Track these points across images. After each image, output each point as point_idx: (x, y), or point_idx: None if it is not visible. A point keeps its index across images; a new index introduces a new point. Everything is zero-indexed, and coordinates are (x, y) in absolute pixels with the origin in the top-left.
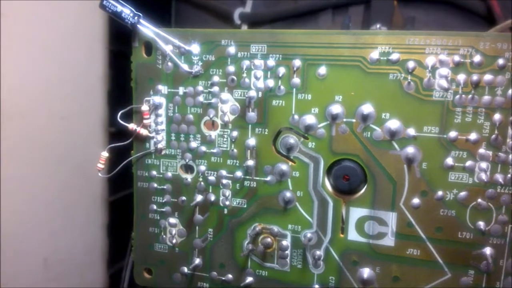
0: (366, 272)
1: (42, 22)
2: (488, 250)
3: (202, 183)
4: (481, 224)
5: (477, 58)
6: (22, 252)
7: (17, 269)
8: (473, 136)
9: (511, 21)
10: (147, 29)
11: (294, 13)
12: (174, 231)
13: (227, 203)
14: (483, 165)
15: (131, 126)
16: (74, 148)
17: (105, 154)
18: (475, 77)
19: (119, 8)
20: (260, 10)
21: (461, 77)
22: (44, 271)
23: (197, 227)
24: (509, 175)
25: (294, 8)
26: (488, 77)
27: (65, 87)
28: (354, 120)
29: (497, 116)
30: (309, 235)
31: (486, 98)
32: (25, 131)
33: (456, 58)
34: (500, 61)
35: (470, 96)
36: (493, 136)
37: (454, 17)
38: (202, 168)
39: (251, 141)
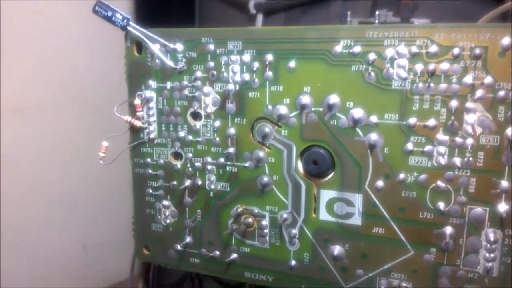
0: (336, 249)
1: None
2: (448, 230)
3: (190, 169)
4: (440, 205)
5: (432, 48)
6: (61, 237)
7: (56, 254)
8: (431, 122)
9: (501, 9)
10: (136, 30)
11: (306, 1)
12: (167, 212)
13: (212, 186)
14: (441, 149)
15: (126, 118)
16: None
17: (105, 143)
18: (431, 67)
19: (110, 12)
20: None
21: (418, 66)
22: (83, 256)
23: (187, 209)
24: (465, 159)
25: None
26: (443, 66)
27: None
28: (321, 109)
29: (453, 103)
30: (285, 215)
31: (442, 86)
32: (60, 120)
33: (413, 49)
34: (455, 51)
35: (426, 84)
36: (450, 122)
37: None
38: (190, 155)
39: (231, 130)
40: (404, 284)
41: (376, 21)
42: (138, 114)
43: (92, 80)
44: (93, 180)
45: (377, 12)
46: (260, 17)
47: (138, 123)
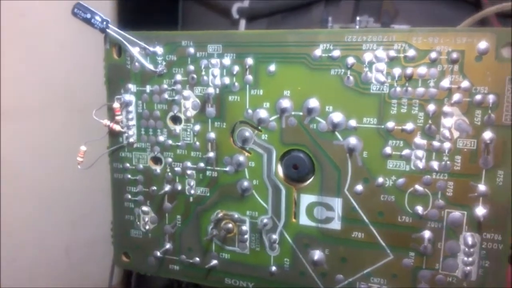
0: (316, 254)
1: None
2: (426, 234)
3: (169, 173)
4: (419, 209)
5: (410, 53)
6: (45, 240)
7: (39, 257)
8: (408, 126)
9: (480, 14)
10: (116, 33)
11: (288, 7)
12: (147, 218)
13: (192, 191)
14: (419, 153)
15: (105, 122)
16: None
17: (83, 148)
18: (408, 71)
19: (89, 14)
20: (258, 5)
21: (396, 71)
22: (66, 259)
23: (166, 214)
24: (443, 162)
25: (288, 2)
26: (421, 70)
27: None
28: (301, 113)
29: (430, 107)
30: (265, 220)
31: (420, 90)
32: (44, 124)
33: (391, 53)
34: (432, 55)
35: (404, 88)
36: (427, 126)
37: (440, 6)
38: (169, 160)
39: (211, 135)
40: None
41: (357, 27)
42: (117, 118)
43: (73, 83)
44: (77, 183)
45: (358, 18)
46: (243, 22)
47: (117, 127)
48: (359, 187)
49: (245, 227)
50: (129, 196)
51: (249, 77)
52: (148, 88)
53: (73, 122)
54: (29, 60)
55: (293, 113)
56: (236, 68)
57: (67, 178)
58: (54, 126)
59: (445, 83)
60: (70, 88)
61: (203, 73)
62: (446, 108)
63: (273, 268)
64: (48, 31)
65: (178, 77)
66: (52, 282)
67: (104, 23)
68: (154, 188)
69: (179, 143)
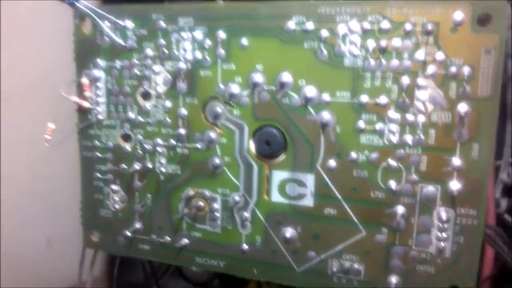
0: (288, 231)
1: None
2: (399, 209)
3: (140, 151)
4: (392, 184)
5: (384, 24)
6: (25, 230)
7: (20, 248)
8: (382, 99)
9: None
10: (85, 6)
11: None
12: (116, 197)
13: (163, 169)
14: (392, 127)
15: (73, 98)
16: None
17: (51, 125)
18: (383, 43)
19: None
20: None
21: (370, 43)
22: (47, 249)
23: (136, 193)
24: (417, 136)
25: None
26: (395, 42)
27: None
28: (274, 88)
29: (404, 80)
30: (236, 198)
31: (394, 62)
32: (28, 112)
33: (365, 25)
34: (407, 26)
35: (378, 61)
36: (401, 99)
37: None
38: (139, 137)
39: (183, 111)
40: (356, 266)
41: None
42: (86, 94)
43: (41, 61)
44: (58, 172)
45: None
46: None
47: (86, 104)
48: (332, 163)
49: (217, 205)
50: (98, 175)
51: (221, 51)
52: (118, 63)
53: (49, 108)
54: None
55: (265, 87)
56: (208, 42)
57: (48, 166)
58: (32, 112)
59: (420, 55)
60: (42, 69)
61: (174, 47)
62: (421, 81)
63: (245, 247)
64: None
65: (149, 51)
66: (33, 273)
67: None
68: (124, 166)
69: (150, 120)
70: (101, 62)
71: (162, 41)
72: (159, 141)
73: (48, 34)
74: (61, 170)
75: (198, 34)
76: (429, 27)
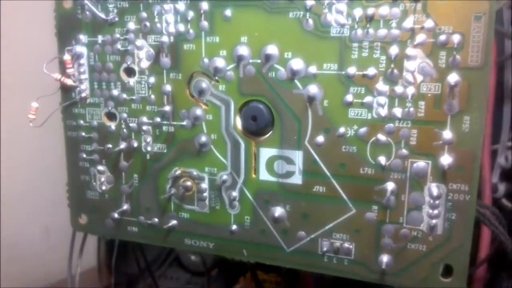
0: (277, 210)
1: None
2: (389, 185)
3: (125, 130)
4: (381, 159)
5: None
6: (24, 220)
7: (18, 238)
8: (370, 71)
9: None
10: None
11: None
12: (103, 178)
13: (149, 148)
14: (381, 100)
15: (55, 76)
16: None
17: (35, 104)
18: (370, 11)
19: None
20: None
21: (357, 11)
22: (45, 239)
23: (123, 174)
24: (406, 109)
25: None
26: (382, 10)
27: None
28: (259, 61)
29: (392, 50)
30: (224, 176)
31: (381, 31)
32: (26, 103)
33: None
34: None
35: (365, 30)
36: (389, 70)
37: None
38: (124, 115)
39: (167, 87)
40: (346, 245)
41: None
42: (68, 71)
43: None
44: (56, 161)
45: None
46: None
47: (68, 81)
48: (320, 139)
49: (204, 185)
50: (84, 155)
51: (204, 23)
52: (99, 39)
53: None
54: None
55: (250, 61)
56: (191, 14)
57: (46, 155)
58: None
59: (408, 23)
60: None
61: (156, 20)
62: (409, 51)
63: (234, 227)
64: None
65: (131, 25)
66: (31, 262)
67: None
68: (109, 145)
69: (134, 97)
70: (82, 37)
71: (144, 14)
72: (144, 119)
73: (30, 10)
74: (59, 160)
75: (181, 5)
76: None
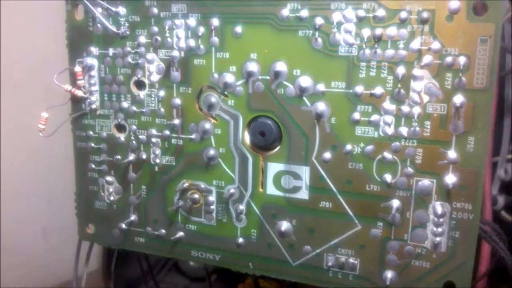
0: (283, 225)
1: None
2: (395, 203)
3: (134, 142)
4: (387, 177)
5: (379, 12)
6: (22, 222)
7: (17, 239)
8: (377, 90)
9: None
10: None
11: None
12: (111, 188)
13: (157, 161)
14: (388, 118)
15: (66, 87)
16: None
17: (45, 115)
18: (378, 32)
19: None
20: None
21: (365, 31)
22: (43, 241)
23: (131, 185)
24: (412, 128)
25: None
26: (390, 31)
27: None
28: (268, 77)
29: (399, 70)
30: (231, 190)
31: (389, 52)
32: (24, 104)
33: (360, 13)
34: (402, 14)
35: (373, 50)
36: (396, 89)
37: None
38: (134, 127)
39: (177, 100)
40: (351, 260)
41: None
42: (79, 82)
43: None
44: (55, 162)
45: None
46: None
47: (79, 93)
48: (327, 155)
49: (212, 198)
50: (93, 166)
51: (215, 39)
52: (110, 51)
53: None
54: None
55: (260, 77)
56: (202, 30)
57: (45, 158)
58: (31, 104)
59: (415, 44)
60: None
61: (167, 34)
62: (416, 71)
63: (240, 240)
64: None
65: (142, 39)
66: (29, 264)
67: None
68: (118, 157)
69: (144, 110)
70: (94, 49)
71: (155, 28)
72: (153, 131)
73: (42, 21)
74: (57, 162)
75: (192, 21)
76: (425, 15)
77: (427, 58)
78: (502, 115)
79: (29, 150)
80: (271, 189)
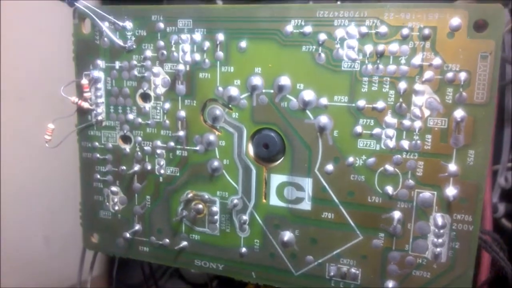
0: (286, 235)
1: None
2: (396, 214)
3: (139, 153)
4: (389, 189)
5: (382, 29)
6: (23, 229)
7: (17, 247)
8: (379, 104)
9: None
10: (85, 6)
11: None
12: (116, 198)
13: (162, 171)
14: (389, 132)
15: (73, 99)
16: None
17: (51, 126)
18: (380, 47)
19: None
20: None
21: (368, 47)
22: (45, 248)
23: (136, 195)
24: (413, 142)
25: None
26: (392, 47)
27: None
28: (272, 91)
29: (401, 85)
30: (235, 201)
31: (391, 67)
32: (25, 112)
33: (362, 29)
34: (404, 31)
35: (375, 66)
36: (398, 104)
37: None
38: (139, 138)
39: (182, 113)
40: (353, 270)
41: (338, 1)
42: (86, 95)
43: (41, 60)
44: (57, 170)
45: None
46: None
47: (85, 105)
48: (330, 167)
49: (215, 208)
50: (98, 176)
51: (220, 54)
52: (117, 64)
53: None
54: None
55: (264, 90)
56: (207, 44)
57: (47, 165)
58: (33, 113)
59: (417, 60)
60: (42, 70)
61: (173, 49)
62: (417, 86)
63: (243, 250)
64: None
65: (148, 53)
66: (31, 271)
67: None
68: (123, 167)
69: (149, 122)
70: (100, 62)
71: (161, 43)
72: (158, 143)
73: (48, 34)
74: (59, 170)
75: (197, 36)
76: (426, 32)
77: (428, 74)
78: (503, 124)
79: (31, 157)
80: (274, 200)
